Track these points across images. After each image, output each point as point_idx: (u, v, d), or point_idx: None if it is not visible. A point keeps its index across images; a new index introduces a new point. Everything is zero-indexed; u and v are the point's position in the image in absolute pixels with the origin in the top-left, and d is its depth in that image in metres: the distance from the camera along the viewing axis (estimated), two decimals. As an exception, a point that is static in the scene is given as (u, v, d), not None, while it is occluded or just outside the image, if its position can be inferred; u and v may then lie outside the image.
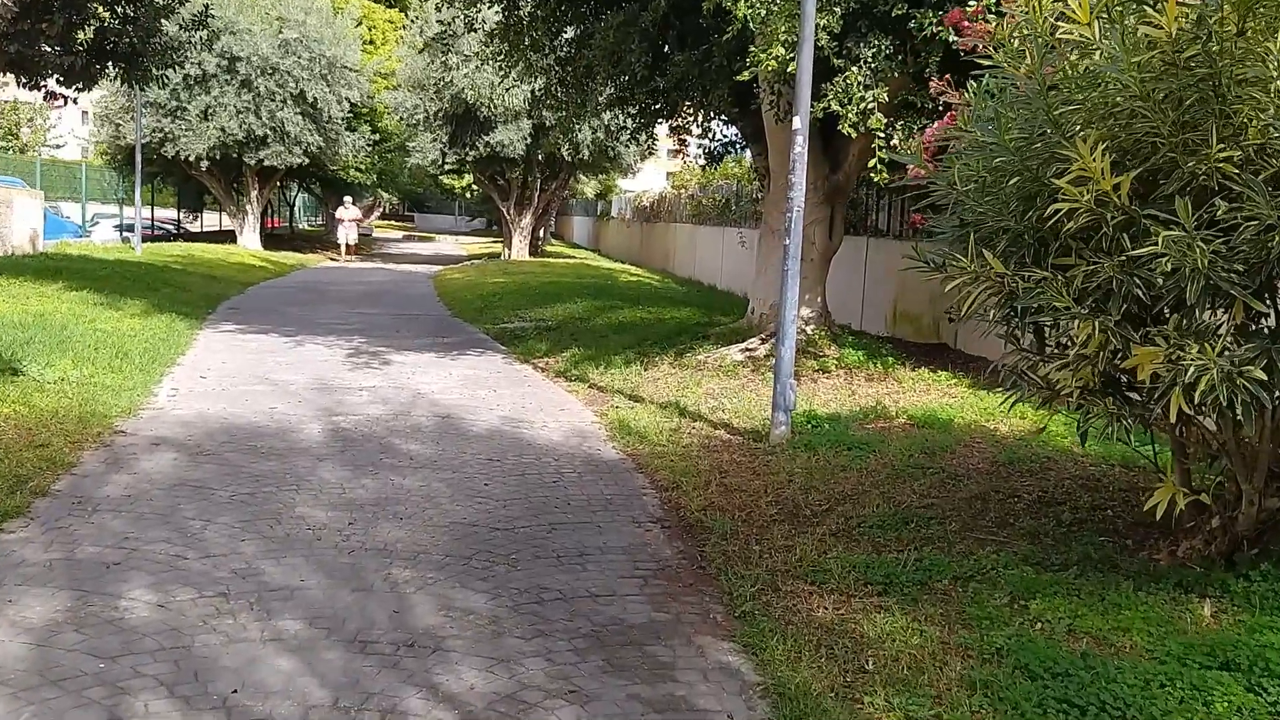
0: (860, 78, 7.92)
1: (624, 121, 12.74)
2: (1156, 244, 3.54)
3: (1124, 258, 3.74)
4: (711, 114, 11.34)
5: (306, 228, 51.73)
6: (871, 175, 8.05)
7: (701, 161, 12.41)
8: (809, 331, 10.51)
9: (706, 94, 10.35)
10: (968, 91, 4.60)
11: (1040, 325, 4.23)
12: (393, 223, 74.65)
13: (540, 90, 12.59)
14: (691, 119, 12.34)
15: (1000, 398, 8.34)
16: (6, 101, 63.87)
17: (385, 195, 60.97)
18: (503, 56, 11.56)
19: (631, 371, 10.10)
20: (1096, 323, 3.74)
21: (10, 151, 46.06)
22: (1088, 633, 4.00)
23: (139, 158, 24.07)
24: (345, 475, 6.39)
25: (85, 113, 36.54)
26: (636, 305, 15.56)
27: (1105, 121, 3.97)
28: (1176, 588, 4.39)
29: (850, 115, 7.93)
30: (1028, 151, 3.91)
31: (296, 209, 49.66)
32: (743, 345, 10.28)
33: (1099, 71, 3.81)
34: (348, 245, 31.95)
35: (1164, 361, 3.71)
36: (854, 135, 8.10)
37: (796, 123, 7.18)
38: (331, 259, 31.32)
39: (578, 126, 14.09)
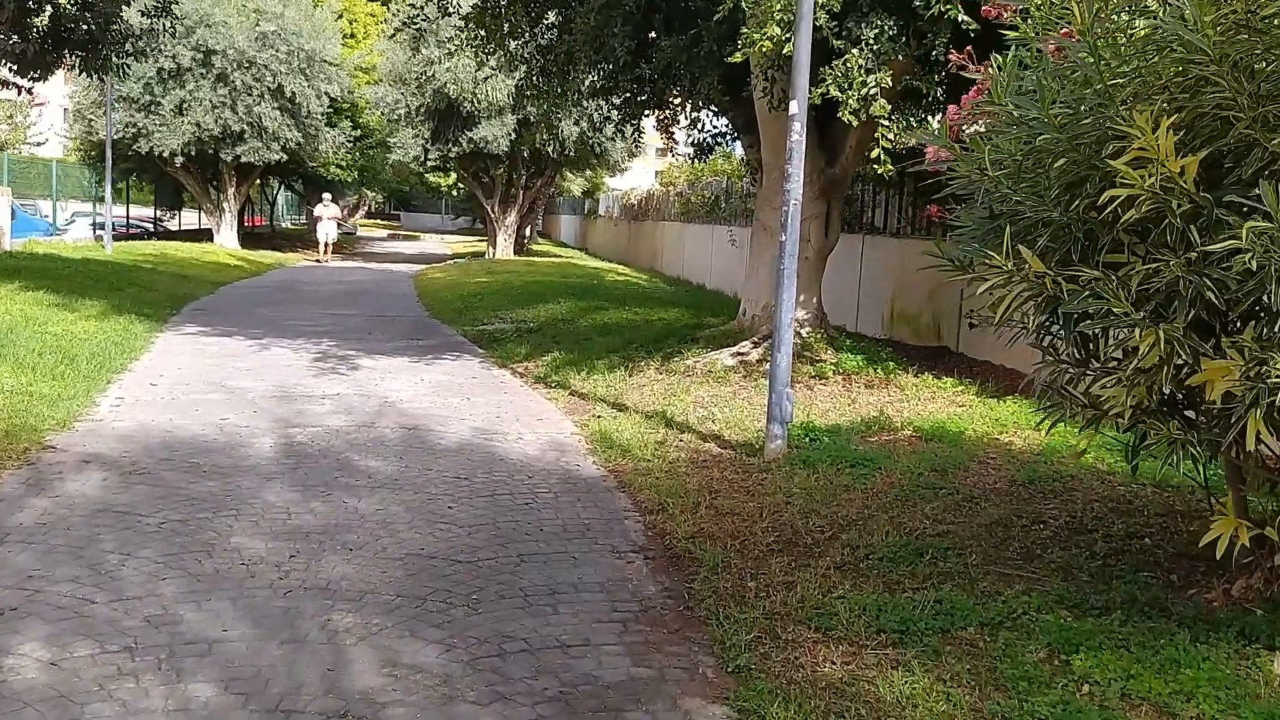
0: (861, 60, 7.30)
1: (608, 112, 12.10)
2: (1239, 237, 2.92)
3: (1193, 254, 3.12)
4: (700, 103, 10.72)
5: (290, 226, 50.89)
6: (874, 167, 7.43)
7: (690, 154, 11.67)
8: (804, 335, 9.90)
9: (695, 81, 9.71)
10: (992, 65, 3.98)
11: (1086, 334, 3.61)
12: (378, 221, 73.81)
13: (520, 80, 11.96)
14: (679, 109, 11.69)
15: (1014, 408, 7.76)
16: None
17: (371, 194, 60.14)
18: (478, 43, 10.90)
19: (615, 377, 9.47)
20: (1161, 331, 3.12)
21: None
22: (1145, 698, 3.39)
23: (109, 153, 23.35)
24: (293, 498, 5.74)
25: (65, 109, 35.70)
26: (622, 306, 14.93)
27: (1161, 94, 3.36)
28: (1239, 637, 3.78)
29: (850, 101, 7.31)
30: (1075, 128, 3.28)
31: (279, 207, 48.82)
32: (734, 349, 9.66)
33: (1163, 33, 3.19)
34: (327, 244, 30.09)
35: (1240, 379, 3.10)
36: (854, 123, 7.49)
37: (794, 107, 6.56)
38: (311, 259, 30.28)
39: (559, 118, 13.40)
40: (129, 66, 14.05)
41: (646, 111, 12.44)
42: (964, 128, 4.00)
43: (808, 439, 6.92)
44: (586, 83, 11.21)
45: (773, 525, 5.37)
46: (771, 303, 10.35)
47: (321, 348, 11.55)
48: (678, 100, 11.49)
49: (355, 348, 11.66)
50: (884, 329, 12.87)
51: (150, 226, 34.61)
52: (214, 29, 26.04)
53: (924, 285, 12.14)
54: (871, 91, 7.27)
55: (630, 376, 9.48)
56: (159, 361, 10.05)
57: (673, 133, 12.42)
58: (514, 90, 12.59)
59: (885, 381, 8.73)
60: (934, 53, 7.36)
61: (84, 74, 13.42)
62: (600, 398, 8.84)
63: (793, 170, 6.58)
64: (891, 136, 7.40)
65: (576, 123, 11.82)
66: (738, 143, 12.03)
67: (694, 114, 11.58)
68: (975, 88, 3.90)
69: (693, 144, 11.46)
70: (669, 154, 12.84)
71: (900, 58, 7.46)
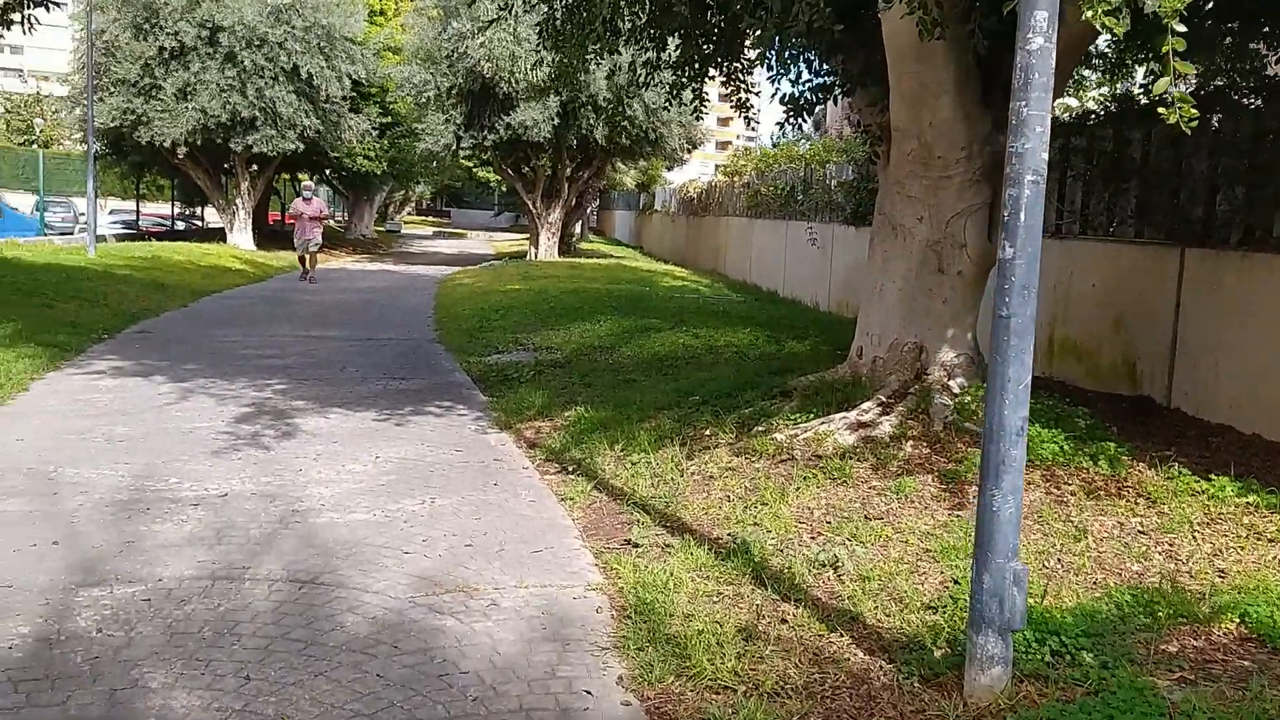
0: (1126, -86, 3.85)
1: (657, 64, 8.73)
2: None
3: None
4: (793, 41, 7.35)
5: (331, 224, 48.15)
6: (1160, 114, 3.97)
7: (783, 115, 8.12)
8: (954, 389, 6.47)
9: (787, 7, 6.30)
10: None
11: None
12: (428, 218, 71.39)
13: (538, 25, 8.66)
14: (759, 59, 8.24)
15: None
16: (18, 94, 61.57)
17: (419, 189, 57.25)
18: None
19: (667, 458, 6.09)
20: None
21: (33, 145, 43.20)
22: None
23: (91, 140, 20.55)
24: None
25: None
26: (679, 325, 11.58)
27: None
28: None
29: (1105, -9, 3.86)
30: None
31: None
32: (851, 415, 6.22)
33: None
34: (309, 253, 20.29)
35: None
36: (1116, 32, 4.04)
37: (1030, -19, 3.15)
38: (353, 260, 22.36)
39: (585, 71, 10.00)
40: (37, 19, 11.08)
41: (713, 66, 9.01)
42: None
43: (1046, 651, 3.48)
44: (624, 23, 7.85)
45: None
46: (903, 339, 6.94)
47: (262, 395, 8.33)
48: (757, 44, 8.06)
49: (308, 394, 8.43)
50: (1038, 364, 9.35)
51: (172, 224, 32.05)
52: (220, 3, 23.14)
53: (1107, 307, 8.59)
54: (1153, -31, 3.83)
55: (690, 458, 6.10)
56: None
57: (746, 98, 8.93)
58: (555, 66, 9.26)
59: (1115, 481, 5.23)
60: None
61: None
62: (643, 501, 5.50)
63: (1031, 111, 3.18)
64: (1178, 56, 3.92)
65: (614, 75, 8.69)
66: (837, 104, 8.52)
67: (783, 62, 8.13)
68: None
69: (782, 100, 8.02)
70: (745, 122, 9.30)
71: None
